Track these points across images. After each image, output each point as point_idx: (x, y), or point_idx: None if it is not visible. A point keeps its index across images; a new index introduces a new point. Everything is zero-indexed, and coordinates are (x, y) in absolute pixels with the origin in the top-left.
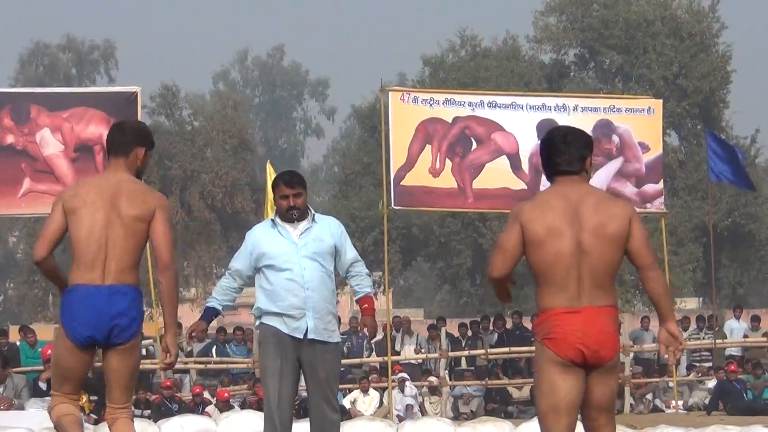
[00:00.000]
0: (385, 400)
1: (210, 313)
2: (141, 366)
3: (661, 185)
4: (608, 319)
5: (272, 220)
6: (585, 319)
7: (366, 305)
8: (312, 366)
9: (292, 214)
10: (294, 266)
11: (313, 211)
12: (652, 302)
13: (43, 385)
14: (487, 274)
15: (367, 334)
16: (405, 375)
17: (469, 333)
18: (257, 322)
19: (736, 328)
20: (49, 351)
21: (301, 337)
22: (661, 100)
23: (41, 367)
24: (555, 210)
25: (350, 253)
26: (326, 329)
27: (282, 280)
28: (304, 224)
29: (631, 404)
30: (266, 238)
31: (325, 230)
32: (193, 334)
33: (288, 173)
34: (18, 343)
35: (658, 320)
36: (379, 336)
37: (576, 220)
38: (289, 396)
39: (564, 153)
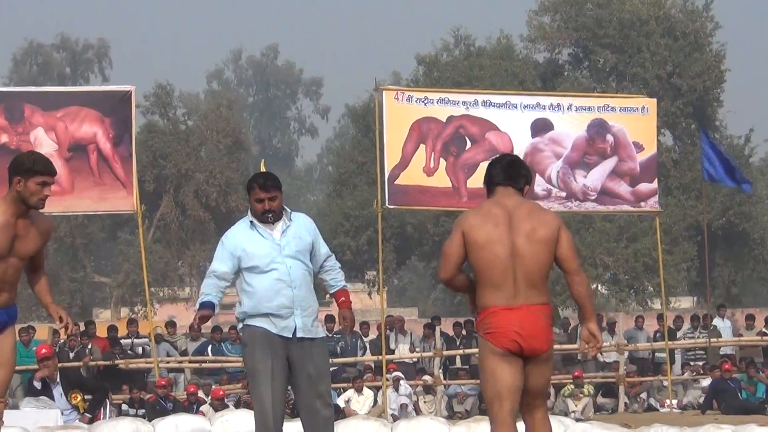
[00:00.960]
0: (379, 399)
1: (209, 306)
2: (135, 365)
3: (655, 184)
4: (541, 316)
5: (250, 222)
6: (521, 316)
7: (343, 298)
8: (302, 363)
9: (267, 218)
10: (279, 266)
11: (289, 210)
12: (576, 304)
13: (37, 384)
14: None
15: (347, 326)
16: (399, 374)
17: (464, 332)
18: (240, 325)
19: (721, 327)
20: (44, 350)
21: (290, 336)
22: (655, 99)
23: (35, 366)
24: (495, 218)
25: (323, 248)
26: (313, 326)
27: (269, 280)
28: (281, 224)
29: (625, 403)
30: (247, 239)
31: (302, 228)
32: (198, 316)
33: (263, 176)
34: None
35: (580, 319)
36: (373, 335)
37: (511, 226)
38: (282, 396)
39: (512, 169)
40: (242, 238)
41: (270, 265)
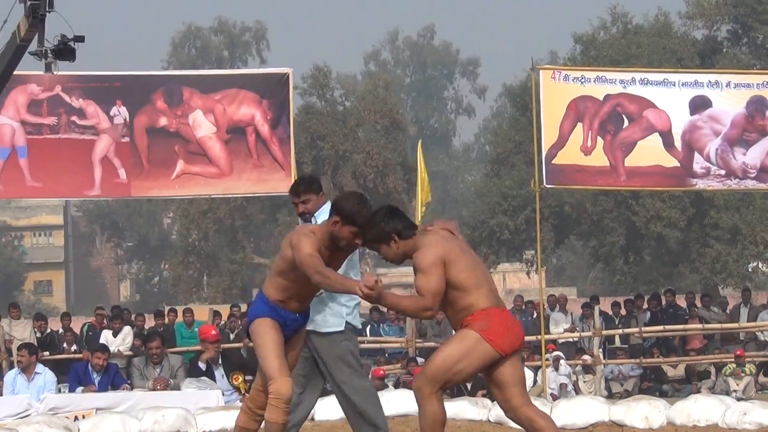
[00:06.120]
0: (539, 379)
1: None
2: None
3: None
4: None
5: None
6: None
7: None
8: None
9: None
10: None
11: (319, 211)
12: None
13: (203, 366)
14: None
15: None
16: (559, 353)
17: (623, 311)
18: None
19: None
20: (213, 332)
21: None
22: None
23: (197, 348)
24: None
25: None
26: (313, 320)
27: None
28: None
29: None
30: None
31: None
32: None
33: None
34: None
35: None
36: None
37: None
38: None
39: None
40: None
41: None
